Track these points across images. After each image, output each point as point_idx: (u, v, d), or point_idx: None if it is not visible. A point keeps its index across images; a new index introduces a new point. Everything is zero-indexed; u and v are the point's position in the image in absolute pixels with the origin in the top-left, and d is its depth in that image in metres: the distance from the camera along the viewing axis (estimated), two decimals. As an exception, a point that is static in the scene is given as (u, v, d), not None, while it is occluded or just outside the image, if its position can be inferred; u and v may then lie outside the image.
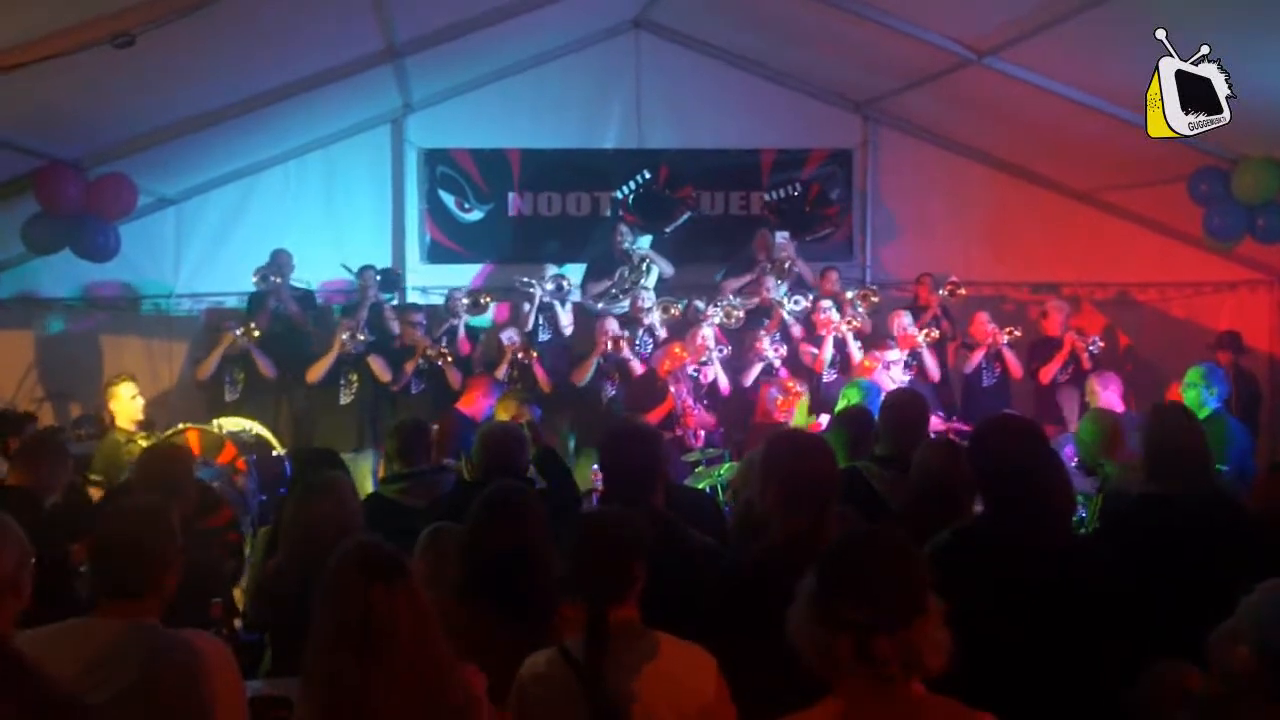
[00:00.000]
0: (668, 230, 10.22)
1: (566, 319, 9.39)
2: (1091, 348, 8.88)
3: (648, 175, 10.13)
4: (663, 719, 2.70)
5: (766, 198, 10.35)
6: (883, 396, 5.08)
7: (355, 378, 8.58)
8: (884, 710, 2.16)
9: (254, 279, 8.84)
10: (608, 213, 10.24)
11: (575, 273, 9.82)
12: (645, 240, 9.93)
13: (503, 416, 6.16)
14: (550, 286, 9.24)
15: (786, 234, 9.71)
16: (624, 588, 2.82)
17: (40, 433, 5.68)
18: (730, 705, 2.80)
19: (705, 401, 8.34)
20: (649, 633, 2.81)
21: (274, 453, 7.69)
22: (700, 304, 9.23)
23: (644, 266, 9.61)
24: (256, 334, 8.41)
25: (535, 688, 2.76)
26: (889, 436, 4.40)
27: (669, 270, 9.72)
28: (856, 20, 7.91)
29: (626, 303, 9.27)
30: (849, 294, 9.32)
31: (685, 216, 10.18)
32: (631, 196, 10.19)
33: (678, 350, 8.12)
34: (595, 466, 7.25)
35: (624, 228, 9.71)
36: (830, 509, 3.26)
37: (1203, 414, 6.29)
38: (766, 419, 7.97)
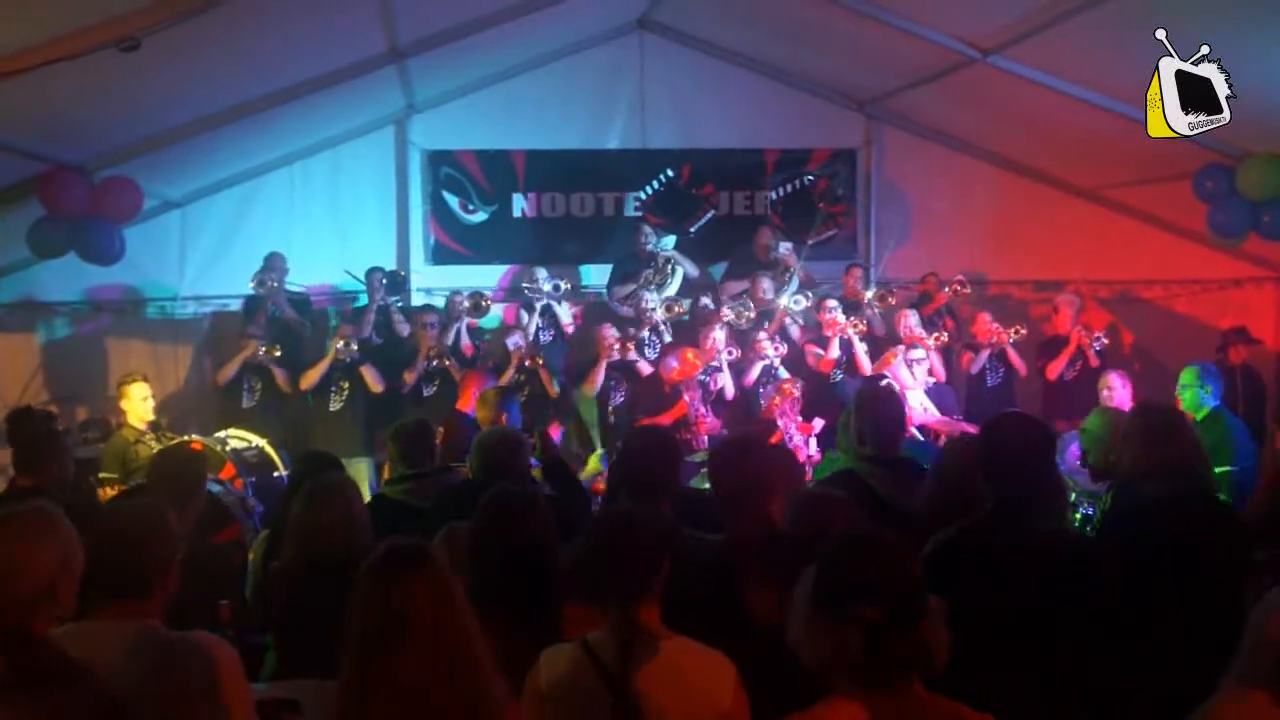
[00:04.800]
0: (691, 230, 10.20)
1: (567, 318, 9.38)
2: (1096, 345, 8.88)
3: (671, 174, 10.10)
4: None
5: (772, 195, 10.33)
6: (856, 393, 5.00)
7: (346, 385, 8.58)
8: (888, 710, 2.16)
9: (251, 284, 8.83)
10: (612, 213, 10.24)
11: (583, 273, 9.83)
12: (670, 241, 9.89)
13: (485, 418, 6.14)
14: (547, 288, 9.21)
15: (790, 245, 9.71)
16: (651, 587, 2.82)
17: (34, 429, 5.66)
18: (748, 713, 2.78)
19: (712, 408, 8.32)
20: (670, 636, 2.80)
21: (275, 473, 7.67)
22: (710, 303, 9.22)
23: (669, 268, 9.59)
24: (278, 353, 8.44)
25: (556, 686, 2.75)
26: (872, 435, 4.35)
27: (694, 271, 9.70)
28: (860, 19, 7.90)
29: (651, 304, 9.16)
30: (868, 294, 9.31)
31: (709, 215, 10.14)
32: (653, 197, 10.17)
33: (690, 357, 8.09)
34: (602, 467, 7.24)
35: (647, 229, 9.67)
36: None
37: (1201, 414, 6.28)
38: (764, 417, 7.99)
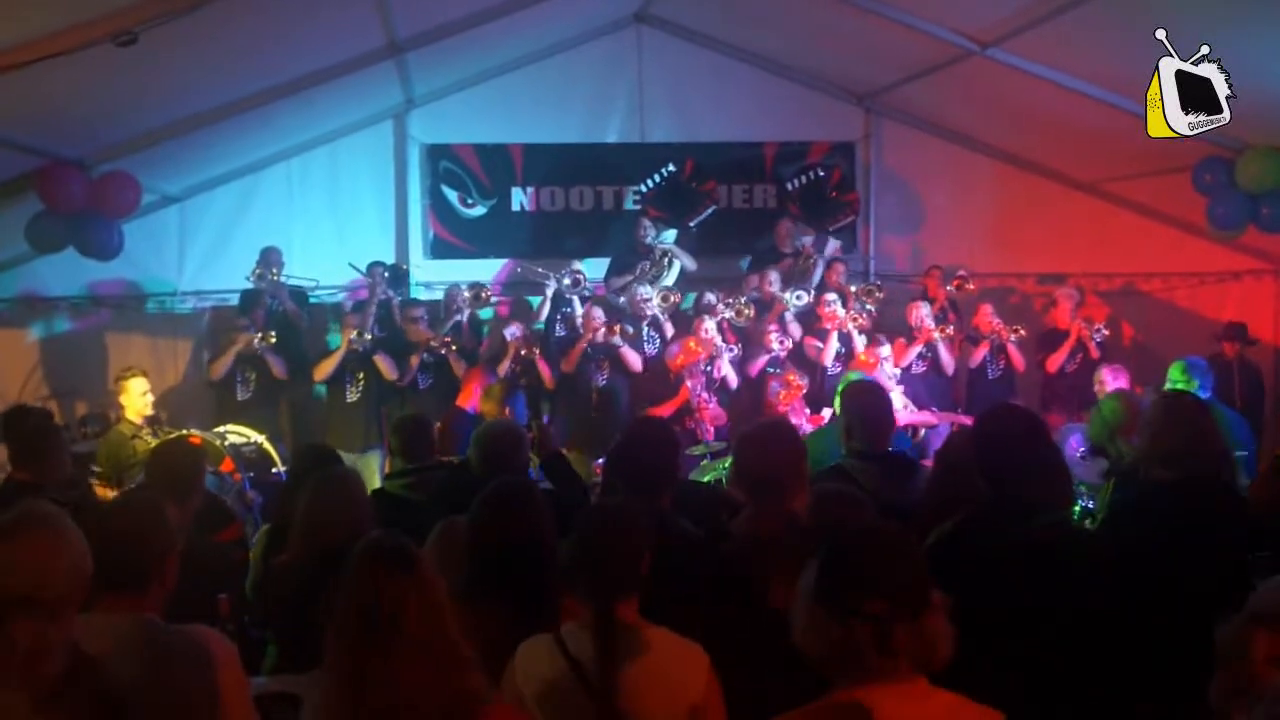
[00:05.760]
0: (692, 225, 10.19)
1: (582, 315, 9.35)
2: (1096, 336, 8.89)
3: (673, 168, 10.09)
4: (649, 714, 2.70)
5: (789, 186, 10.27)
6: (844, 388, 4.97)
7: (362, 376, 8.60)
8: (891, 704, 2.16)
9: (251, 278, 8.83)
10: (611, 207, 10.23)
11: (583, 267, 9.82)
12: (670, 235, 9.88)
13: (490, 412, 6.15)
14: (567, 281, 9.20)
15: (811, 237, 9.70)
16: (632, 583, 2.82)
17: (33, 424, 5.65)
18: (721, 704, 2.79)
19: (716, 396, 8.34)
20: (644, 626, 2.80)
21: (273, 469, 7.64)
22: (712, 296, 9.22)
23: (665, 261, 9.58)
24: (273, 339, 8.43)
25: (531, 679, 2.75)
26: (860, 430, 4.33)
27: (691, 265, 9.66)
28: (859, 12, 7.90)
29: (646, 296, 9.17)
30: (853, 288, 9.31)
31: (710, 210, 10.13)
32: (654, 190, 10.15)
33: (693, 345, 8.12)
34: (599, 461, 7.26)
35: (646, 222, 9.66)
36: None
37: (1194, 407, 6.24)
38: (770, 412, 7.99)
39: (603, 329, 8.48)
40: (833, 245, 9.67)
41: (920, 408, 8.20)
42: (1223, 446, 3.86)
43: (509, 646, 2.91)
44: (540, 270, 9.36)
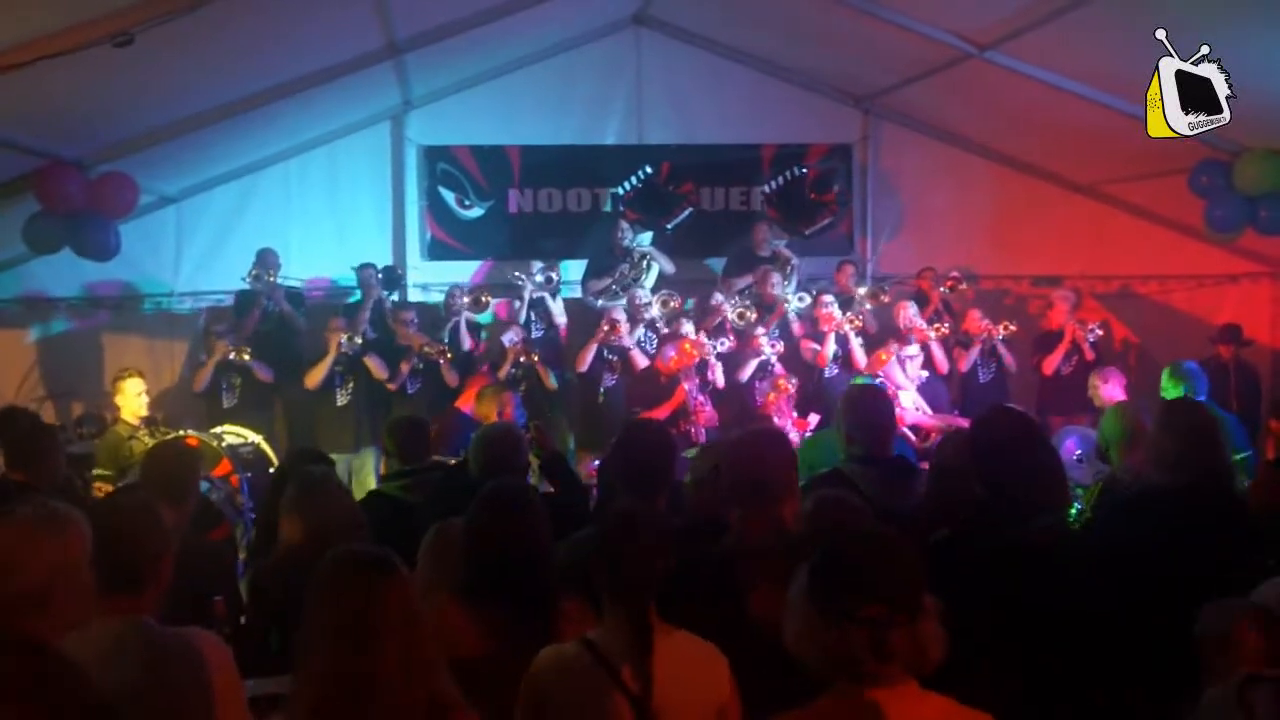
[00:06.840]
0: (669, 227, 10.17)
1: (558, 312, 9.37)
2: (1091, 336, 8.89)
3: (649, 170, 10.06)
4: (681, 715, 2.71)
5: (765, 189, 10.29)
6: (844, 391, 4.93)
7: (351, 379, 8.60)
8: (885, 706, 2.15)
9: (247, 280, 8.83)
10: (609, 209, 10.22)
11: (575, 269, 9.82)
12: (646, 237, 9.89)
13: (486, 414, 6.15)
14: (539, 280, 9.21)
15: (784, 241, 9.71)
16: (658, 584, 2.82)
17: (26, 425, 5.63)
18: (739, 705, 2.80)
19: (710, 399, 8.33)
20: (668, 629, 2.80)
21: (270, 469, 7.62)
22: (720, 296, 9.21)
23: (644, 264, 9.57)
24: (247, 356, 8.38)
25: (559, 685, 2.74)
26: (862, 434, 4.27)
27: (669, 268, 9.67)
28: (857, 15, 7.90)
29: (625, 300, 9.24)
30: (860, 290, 9.31)
31: (687, 213, 10.10)
32: (632, 192, 10.15)
33: (688, 347, 8.11)
34: (595, 463, 7.26)
35: (624, 224, 9.66)
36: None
37: (1189, 412, 6.22)
38: (759, 414, 7.99)
39: (610, 325, 8.46)
40: (780, 244, 9.66)
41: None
42: (1225, 453, 3.82)
43: (505, 649, 2.91)
44: (515, 274, 9.34)
